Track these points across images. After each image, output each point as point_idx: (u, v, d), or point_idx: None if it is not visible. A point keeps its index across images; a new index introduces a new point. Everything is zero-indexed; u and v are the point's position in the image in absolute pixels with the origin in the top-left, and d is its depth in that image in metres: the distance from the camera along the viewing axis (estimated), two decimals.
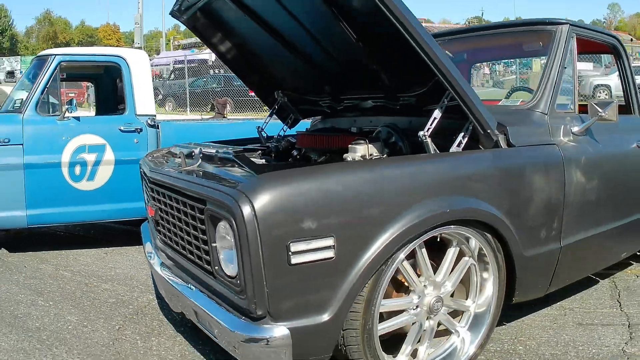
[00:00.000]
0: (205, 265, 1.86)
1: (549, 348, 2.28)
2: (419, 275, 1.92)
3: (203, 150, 2.26)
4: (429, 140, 1.95)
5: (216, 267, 1.77)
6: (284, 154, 2.62)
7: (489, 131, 2.00)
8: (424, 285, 1.92)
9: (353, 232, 1.66)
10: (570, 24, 2.41)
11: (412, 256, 1.87)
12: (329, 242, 1.61)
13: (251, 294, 1.59)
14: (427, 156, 1.93)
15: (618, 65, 2.76)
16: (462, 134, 2.00)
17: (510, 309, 2.47)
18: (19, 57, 34.42)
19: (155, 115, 3.80)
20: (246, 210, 1.53)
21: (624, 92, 2.80)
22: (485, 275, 2.07)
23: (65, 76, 3.99)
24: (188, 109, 15.78)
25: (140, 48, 20.56)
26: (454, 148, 1.99)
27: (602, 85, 13.79)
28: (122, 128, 3.62)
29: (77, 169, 3.44)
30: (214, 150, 2.28)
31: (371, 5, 1.75)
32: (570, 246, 2.27)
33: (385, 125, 2.21)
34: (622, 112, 2.85)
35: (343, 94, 2.55)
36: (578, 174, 2.28)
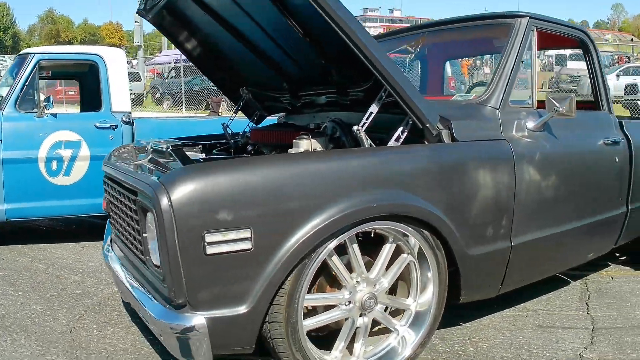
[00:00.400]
0: (141, 256, 1.91)
1: (501, 350, 2.22)
2: (353, 271, 1.91)
3: (154, 145, 2.31)
4: (363, 134, 1.94)
5: (147, 257, 1.82)
6: (241, 150, 2.65)
7: (427, 125, 1.97)
8: (356, 282, 1.91)
9: (272, 224, 1.67)
10: (530, 17, 2.34)
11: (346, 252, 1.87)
12: (246, 233, 1.63)
13: (170, 283, 1.63)
14: (356, 150, 1.92)
15: (586, 60, 2.66)
16: (400, 128, 1.98)
17: (468, 308, 2.41)
18: None
19: (130, 113, 3.89)
20: (163, 201, 1.57)
21: (592, 88, 2.70)
22: (428, 274, 2.04)
23: (50, 74, 4.13)
24: (184, 107, 15.92)
25: (140, 46, 20.81)
26: (391, 142, 1.97)
27: None
28: (97, 125, 3.72)
29: (54, 165, 3.55)
30: (165, 146, 2.33)
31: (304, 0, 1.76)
32: (523, 245, 2.20)
33: (331, 120, 2.21)
34: (591, 108, 2.77)
35: (300, 90, 2.56)
36: (531, 171, 2.21)
